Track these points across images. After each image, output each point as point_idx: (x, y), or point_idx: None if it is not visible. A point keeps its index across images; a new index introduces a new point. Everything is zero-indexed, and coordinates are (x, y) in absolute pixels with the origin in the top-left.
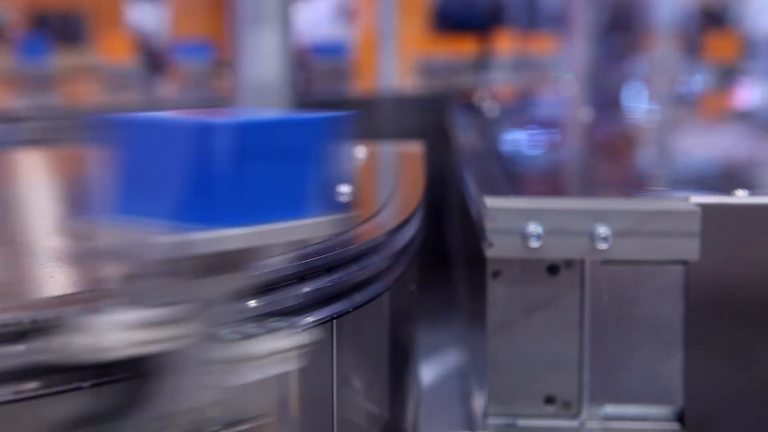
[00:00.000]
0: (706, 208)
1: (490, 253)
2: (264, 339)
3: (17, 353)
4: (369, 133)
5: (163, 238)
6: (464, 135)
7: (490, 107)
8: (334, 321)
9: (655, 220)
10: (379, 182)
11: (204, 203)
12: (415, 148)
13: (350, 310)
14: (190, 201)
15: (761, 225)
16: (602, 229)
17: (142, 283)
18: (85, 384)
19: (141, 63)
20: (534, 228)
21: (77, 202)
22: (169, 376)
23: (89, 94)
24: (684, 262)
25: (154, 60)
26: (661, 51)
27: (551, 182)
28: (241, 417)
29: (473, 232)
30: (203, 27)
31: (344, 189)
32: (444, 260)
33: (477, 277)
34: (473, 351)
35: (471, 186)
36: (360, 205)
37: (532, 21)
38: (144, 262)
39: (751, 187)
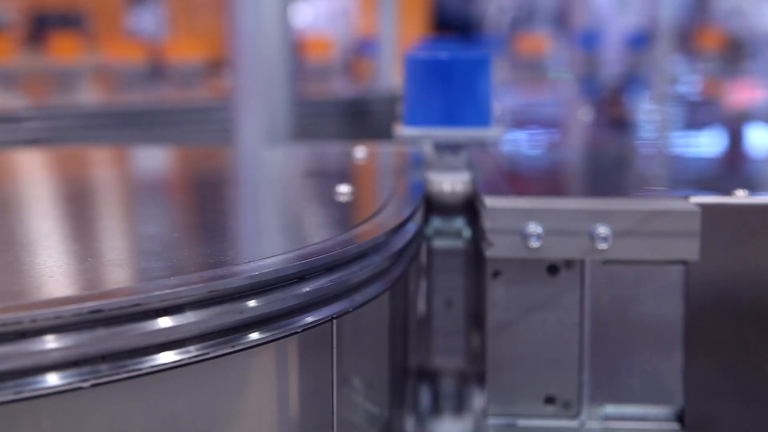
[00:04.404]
0: (706, 208)
1: (490, 253)
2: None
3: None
4: (368, 133)
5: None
6: None
7: None
8: (334, 321)
9: (655, 220)
10: (379, 182)
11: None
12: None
13: (350, 310)
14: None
15: (761, 225)
16: (602, 229)
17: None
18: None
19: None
20: (534, 228)
21: (79, 201)
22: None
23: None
24: (684, 262)
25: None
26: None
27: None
28: None
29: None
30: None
31: (345, 189)
32: None
33: (477, 277)
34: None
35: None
36: (360, 205)
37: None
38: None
39: None
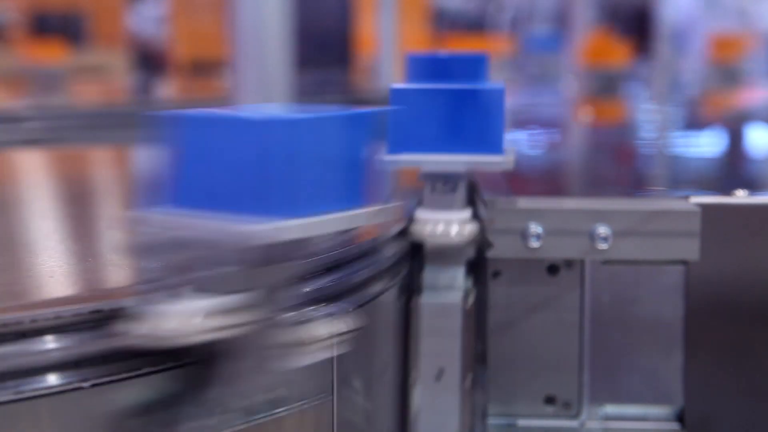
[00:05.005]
0: (706, 208)
1: (490, 253)
2: (315, 324)
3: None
4: None
5: (227, 229)
6: None
7: None
8: None
9: (655, 220)
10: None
11: (262, 197)
12: None
13: (350, 310)
14: (249, 194)
15: (761, 225)
16: (602, 229)
17: (208, 272)
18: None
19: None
20: (534, 228)
21: (80, 201)
22: (232, 362)
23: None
24: (684, 262)
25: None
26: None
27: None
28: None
29: None
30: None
31: None
32: None
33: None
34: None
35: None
36: None
37: None
38: (208, 251)
39: None
